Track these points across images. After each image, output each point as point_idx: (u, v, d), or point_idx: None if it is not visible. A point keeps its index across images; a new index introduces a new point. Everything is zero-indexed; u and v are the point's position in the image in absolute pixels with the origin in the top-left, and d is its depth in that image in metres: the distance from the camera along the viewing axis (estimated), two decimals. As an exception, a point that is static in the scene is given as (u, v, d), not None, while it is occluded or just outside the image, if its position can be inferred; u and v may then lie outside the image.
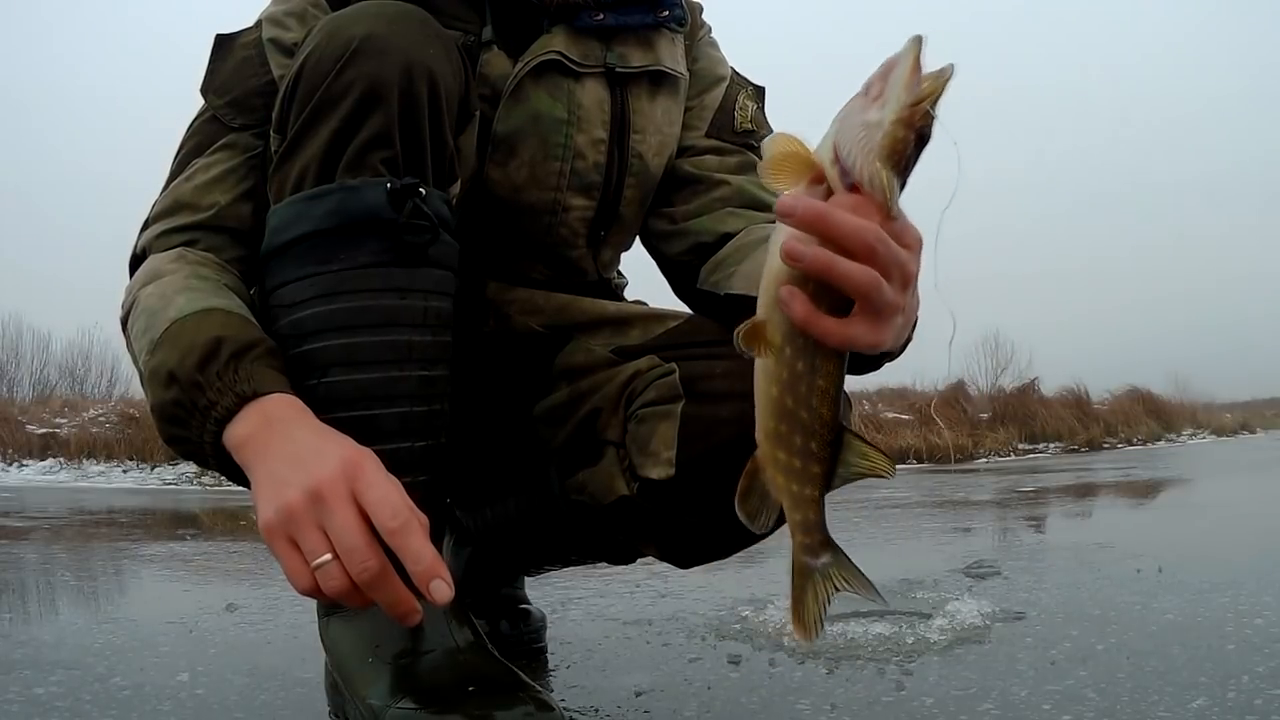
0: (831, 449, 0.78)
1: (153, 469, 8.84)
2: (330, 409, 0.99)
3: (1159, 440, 13.37)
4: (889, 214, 0.70)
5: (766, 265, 0.75)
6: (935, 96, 0.69)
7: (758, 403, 0.78)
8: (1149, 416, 13.93)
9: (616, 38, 1.21)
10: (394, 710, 0.95)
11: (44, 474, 8.91)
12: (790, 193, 0.71)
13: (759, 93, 1.35)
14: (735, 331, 0.75)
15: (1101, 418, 12.89)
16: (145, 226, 1.11)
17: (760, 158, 0.75)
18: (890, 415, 11.08)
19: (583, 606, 1.91)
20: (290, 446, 0.84)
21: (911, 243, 0.74)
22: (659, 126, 1.25)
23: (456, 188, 1.10)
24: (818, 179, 0.72)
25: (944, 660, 1.42)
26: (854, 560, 0.83)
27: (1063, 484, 5.85)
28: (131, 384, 15.94)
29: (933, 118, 0.69)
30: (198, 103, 1.14)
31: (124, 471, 8.88)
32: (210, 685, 1.35)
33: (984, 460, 10.26)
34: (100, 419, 9.84)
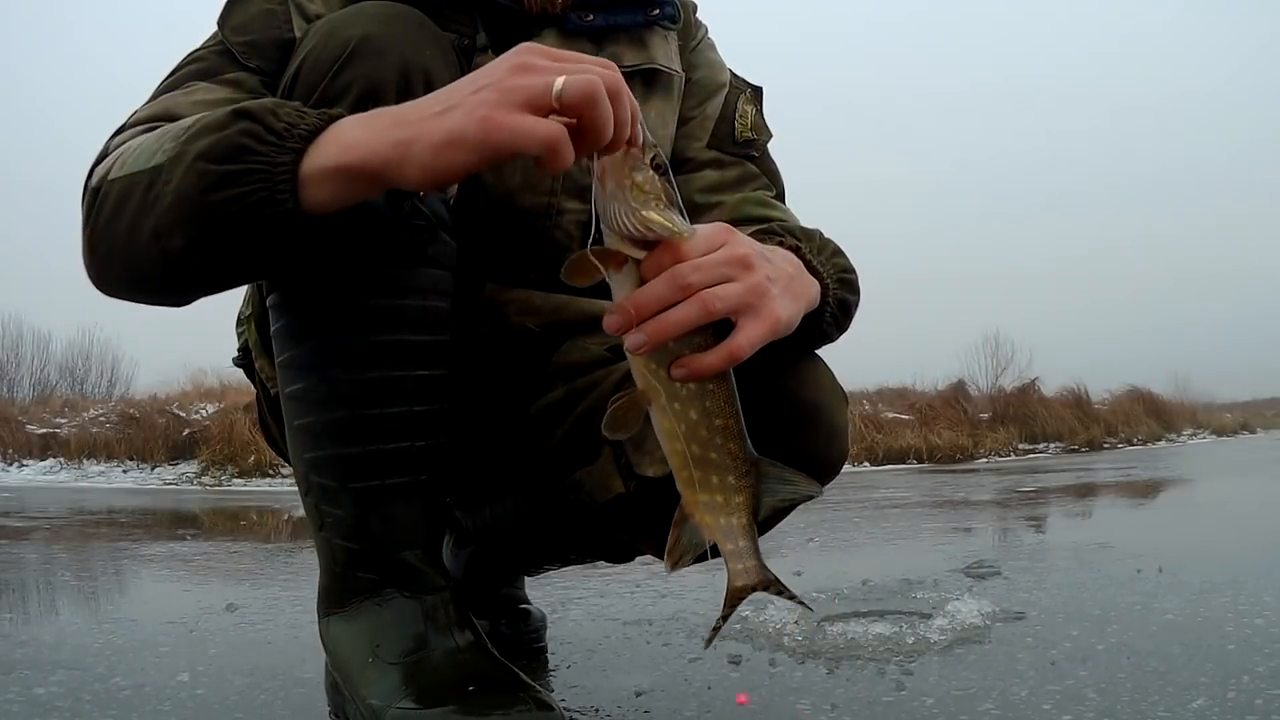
0: (751, 479, 0.84)
1: (153, 469, 8.85)
2: (330, 409, 1.00)
3: (1159, 440, 13.38)
4: (679, 239, 0.79)
5: (626, 349, 0.82)
6: (632, 136, 0.78)
7: (669, 460, 0.85)
8: (1149, 416, 13.94)
9: (608, 38, 1.21)
10: (394, 710, 0.95)
11: (44, 474, 8.91)
12: (605, 316, 0.81)
13: (757, 94, 1.34)
14: (607, 415, 0.83)
15: (1102, 418, 12.90)
16: (119, 132, 1.01)
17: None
18: (890, 415, 11.08)
19: (583, 606, 1.91)
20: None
21: (721, 237, 0.82)
22: (653, 129, 1.24)
23: (454, 189, 1.10)
24: (620, 262, 0.81)
25: (944, 660, 1.42)
26: (785, 582, 0.87)
27: (1063, 484, 5.85)
28: (132, 384, 15.81)
29: (653, 147, 0.79)
30: None
31: (124, 471, 8.88)
32: (210, 685, 1.35)
33: (984, 460, 10.26)
34: (100, 419, 9.84)
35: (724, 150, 1.28)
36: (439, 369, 1.05)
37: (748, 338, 0.81)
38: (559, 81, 0.74)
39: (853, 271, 1.10)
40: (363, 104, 0.96)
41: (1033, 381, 12.85)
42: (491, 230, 1.20)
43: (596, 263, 0.79)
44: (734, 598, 0.86)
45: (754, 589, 0.85)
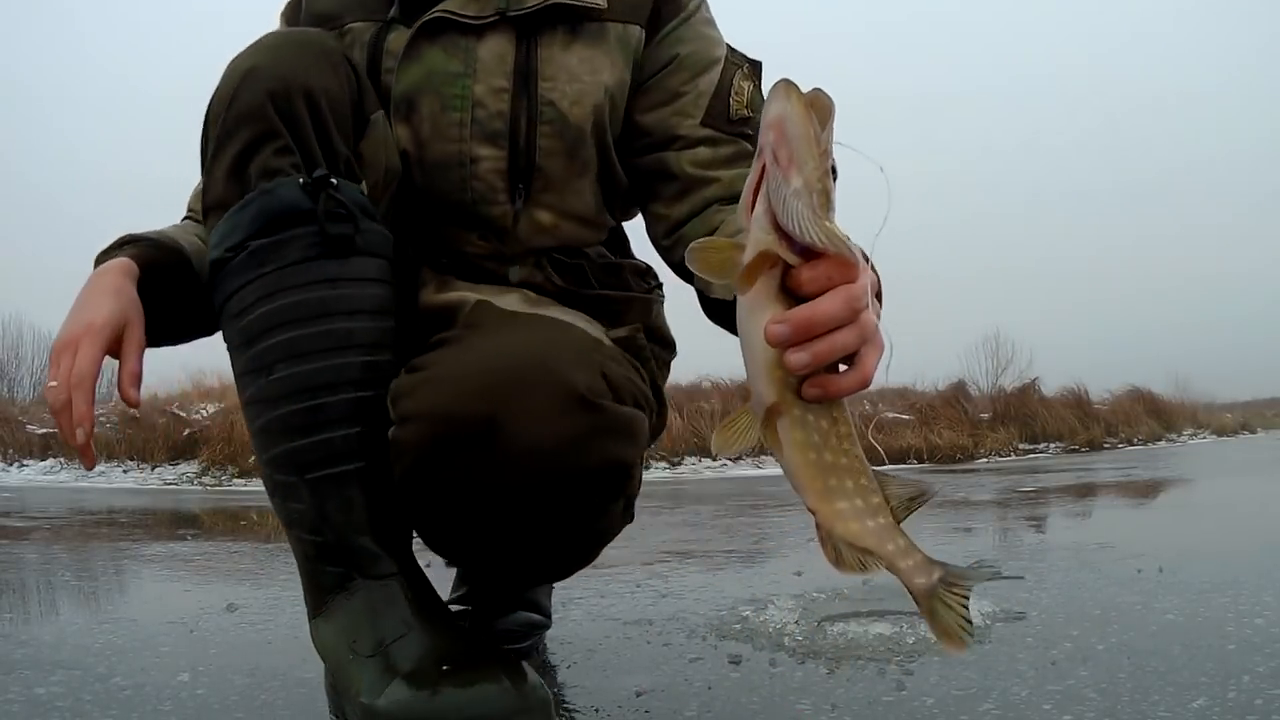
0: (877, 482, 0.81)
1: (153, 469, 8.85)
2: (279, 405, 1.04)
3: (1159, 440, 13.37)
4: (854, 259, 0.75)
5: (752, 354, 0.79)
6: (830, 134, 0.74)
7: (800, 474, 0.81)
8: (1149, 416, 13.92)
9: None
10: (380, 702, 0.96)
11: (44, 474, 8.91)
12: (770, 320, 0.75)
13: (755, 69, 1.29)
14: (722, 434, 0.80)
15: (1102, 418, 12.89)
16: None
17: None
18: (890, 415, 11.08)
19: (583, 606, 1.91)
20: (83, 298, 1.07)
21: (862, 267, 0.80)
22: (575, 74, 1.21)
23: (363, 188, 1.12)
24: (772, 264, 0.76)
25: (944, 660, 1.42)
26: (953, 562, 0.83)
27: (1063, 484, 5.84)
28: (132, 384, 15.93)
29: (829, 155, 0.74)
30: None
31: (124, 471, 8.88)
32: (211, 685, 1.35)
33: (984, 460, 10.26)
34: (100, 419, 9.82)
35: (718, 128, 1.24)
36: (384, 354, 1.07)
37: (871, 364, 0.81)
38: (53, 384, 1.07)
39: (880, 297, 1.09)
40: (255, 126, 1.06)
41: (1033, 381, 12.83)
42: (420, 198, 1.22)
43: (752, 264, 0.75)
44: (924, 594, 0.80)
45: (938, 583, 0.80)
